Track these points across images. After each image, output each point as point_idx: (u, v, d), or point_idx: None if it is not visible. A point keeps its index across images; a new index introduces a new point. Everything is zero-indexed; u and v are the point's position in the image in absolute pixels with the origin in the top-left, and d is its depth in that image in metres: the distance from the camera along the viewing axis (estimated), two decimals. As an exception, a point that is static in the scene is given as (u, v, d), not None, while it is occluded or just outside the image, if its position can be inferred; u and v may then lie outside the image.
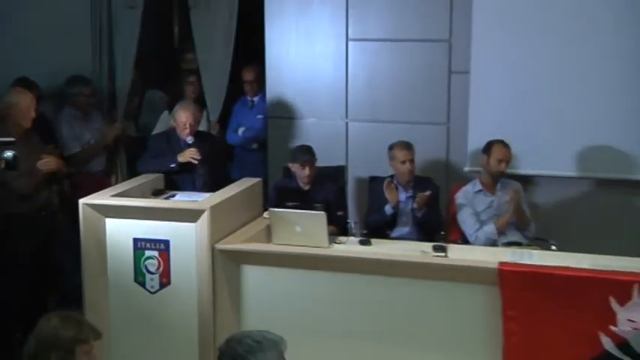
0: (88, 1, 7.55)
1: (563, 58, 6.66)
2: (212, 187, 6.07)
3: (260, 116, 7.53)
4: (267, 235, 5.54)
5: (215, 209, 5.35)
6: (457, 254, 5.39)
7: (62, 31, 7.46)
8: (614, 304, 4.71)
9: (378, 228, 6.11)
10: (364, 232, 5.91)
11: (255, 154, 7.58)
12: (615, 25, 6.55)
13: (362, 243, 5.63)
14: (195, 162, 6.27)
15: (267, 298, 5.31)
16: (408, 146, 6.24)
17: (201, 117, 7.13)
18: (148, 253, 5.40)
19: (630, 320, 4.69)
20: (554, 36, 6.66)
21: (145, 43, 7.65)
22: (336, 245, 5.50)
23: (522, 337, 4.89)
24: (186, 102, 6.84)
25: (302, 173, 6.24)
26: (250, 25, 7.59)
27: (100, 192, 5.74)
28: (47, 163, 5.87)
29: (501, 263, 4.95)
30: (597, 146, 6.66)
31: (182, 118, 6.40)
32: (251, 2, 7.45)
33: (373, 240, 5.70)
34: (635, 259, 5.23)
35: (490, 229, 6.02)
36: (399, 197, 6.19)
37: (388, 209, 6.16)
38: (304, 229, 5.36)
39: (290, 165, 6.37)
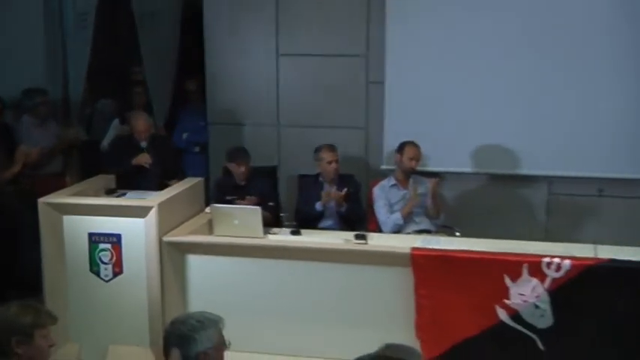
0: (41, 22, 7.45)
1: (465, 70, 6.78)
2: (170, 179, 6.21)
3: (202, 122, 7.56)
4: (209, 227, 5.55)
5: (162, 206, 5.36)
6: (376, 241, 5.42)
7: (19, 49, 7.35)
8: (507, 281, 4.85)
9: (307, 220, 6.17)
10: (295, 223, 6.00)
11: (197, 156, 7.62)
12: (510, 38, 6.71)
13: (293, 233, 5.65)
14: (147, 166, 6.38)
15: (209, 284, 5.34)
16: (332, 148, 6.31)
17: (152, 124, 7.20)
18: (101, 245, 5.38)
19: (521, 294, 4.83)
20: (457, 50, 6.78)
21: (96, 58, 7.61)
22: (270, 235, 5.52)
23: (431, 311, 4.98)
24: (140, 112, 6.92)
25: (238, 171, 6.31)
26: (193, 39, 7.61)
27: (58, 192, 5.70)
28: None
29: (413, 248, 5.05)
30: (491, 145, 6.85)
31: (138, 126, 6.57)
32: (193, 19, 7.47)
33: (303, 230, 5.73)
34: (524, 242, 5.35)
35: (396, 216, 6.10)
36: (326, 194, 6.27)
37: (319, 206, 6.24)
38: (242, 221, 5.39)
39: (228, 164, 6.45)
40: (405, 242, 5.32)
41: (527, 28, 6.68)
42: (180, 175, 6.35)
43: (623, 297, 4.75)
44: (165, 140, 7.29)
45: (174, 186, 5.92)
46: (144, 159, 6.43)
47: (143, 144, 6.55)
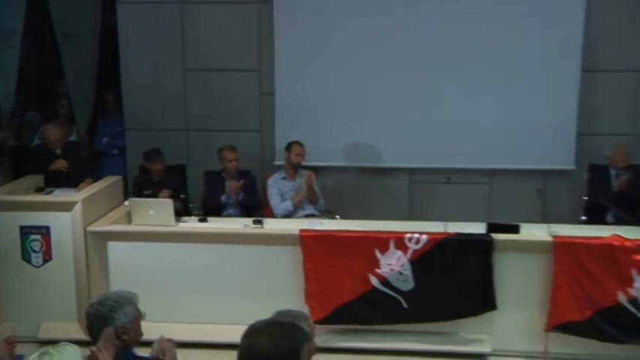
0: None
1: (341, 79, 6.87)
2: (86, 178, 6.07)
3: (120, 128, 7.42)
4: (128, 218, 5.50)
5: (86, 200, 5.31)
6: (270, 225, 5.49)
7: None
8: (377, 254, 4.98)
9: (212, 209, 6.17)
10: (202, 212, 6.01)
11: (116, 157, 7.49)
12: (380, 54, 6.80)
13: (200, 220, 5.65)
14: (65, 170, 6.27)
15: (128, 266, 5.27)
16: (233, 148, 6.33)
17: (68, 132, 7.17)
18: (32, 237, 5.28)
19: (389, 264, 4.98)
20: (335, 63, 6.86)
21: (23, 73, 7.36)
22: (181, 223, 5.51)
23: (318, 281, 5.05)
24: (51, 124, 6.79)
25: (153, 169, 6.29)
26: (110, 56, 7.46)
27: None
28: None
29: (301, 230, 5.13)
30: (362, 142, 7.00)
31: (49, 137, 6.52)
32: (110, 38, 7.33)
33: (209, 218, 5.75)
34: (391, 222, 5.51)
35: (287, 204, 6.18)
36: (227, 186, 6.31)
37: (224, 198, 6.26)
38: (156, 212, 5.36)
39: (144, 163, 6.41)
40: (294, 225, 5.40)
41: (400, 39, 6.79)
42: (94, 175, 6.24)
43: (467, 261, 4.96)
44: (78, 145, 7.15)
45: (96, 183, 5.83)
46: (60, 164, 6.32)
47: (58, 151, 6.45)
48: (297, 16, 6.86)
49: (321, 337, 5.05)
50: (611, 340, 4.89)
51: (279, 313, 2.88)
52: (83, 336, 3.59)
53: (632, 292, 4.83)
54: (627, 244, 4.84)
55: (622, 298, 4.85)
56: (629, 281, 4.82)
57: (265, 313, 2.70)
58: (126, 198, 5.88)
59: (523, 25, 6.70)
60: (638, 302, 4.83)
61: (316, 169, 6.64)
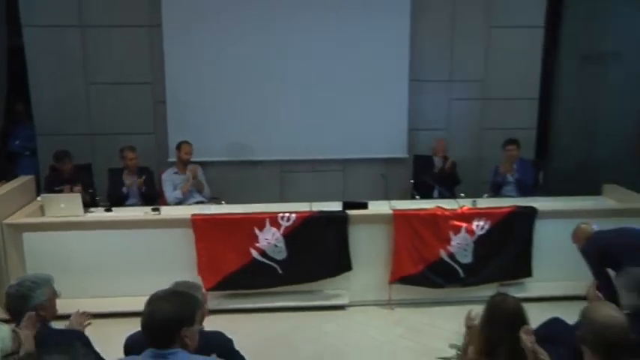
0: None
1: (223, 85, 6.81)
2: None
3: (30, 132, 6.99)
4: (41, 211, 5.25)
5: (2, 197, 5.05)
6: (166, 212, 5.41)
7: None
8: (256, 231, 5.02)
9: (116, 200, 5.98)
10: (107, 203, 5.82)
11: (29, 158, 7.07)
12: (255, 62, 6.79)
13: (106, 210, 5.48)
14: None
15: (44, 253, 5.02)
16: (133, 149, 6.14)
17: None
18: (-48, 231, 4.94)
19: (266, 239, 5.02)
20: (219, 72, 6.77)
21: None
22: (89, 214, 5.33)
23: (208, 256, 5.01)
24: None
25: (63, 168, 6.00)
26: (20, 69, 6.99)
27: None
28: None
29: (193, 214, 5.06)
30: (242, 140, 6.97)
31: None
32: (18, 53, 6.89)
33: (114, 208, 5.57)
34: (267, 204, 5.50)
35: (177, 193, 6.06)
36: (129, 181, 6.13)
37: (124, 189, 6.08)
38: (66, 205, 5.16)
39: (55, 163, 6.10)
40: (186, 211, 5.33)
41: (270, 52, 6.77)
42: (9, 175, 5.89)
43: (328, 233, 5.08)
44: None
45: (10, 182, 5.50)
46: None
47: None
48: (182, 36, 6.73)
49: (213, 301, 5.06)
50: (437, 286, 5.19)
51: (177, 284, 2.89)
52: (3, 315, 3.42)
53: (451, 249, 5.15)
54: (446, 213, 5.15)
55: (444, 254, 5.15)
56: (449, 241, 5.14)
57: (164, 285, 2.71)
58: (38, 194, 5.59)
59: (368, 46, 6.89)
60: (455, 257, 5.17)
61: (204, 164, 6.55)
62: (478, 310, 3.18)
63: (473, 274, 5.19)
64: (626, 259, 3.77)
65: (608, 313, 2.33)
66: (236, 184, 6.93)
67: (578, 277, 4.51)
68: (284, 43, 6.82)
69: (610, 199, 5.81)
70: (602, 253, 4.20)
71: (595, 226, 4.50)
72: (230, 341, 2.87)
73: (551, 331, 3.24)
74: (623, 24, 7.29)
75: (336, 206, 5.26)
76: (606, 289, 3.74)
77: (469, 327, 3.25)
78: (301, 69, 6.88)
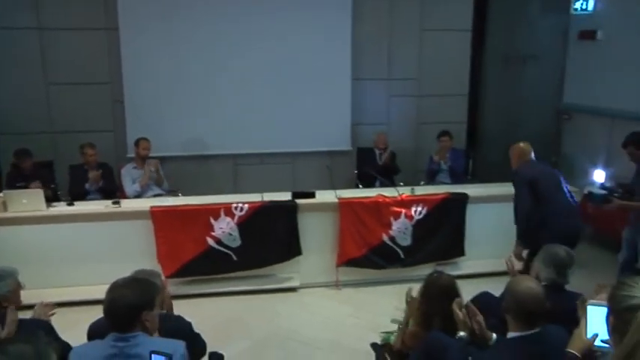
0: None
1: (177, 83, 6.68)
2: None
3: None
4: (4, 207, 5.01)
5: (-36, 195, 4.84)
6: (126, 205, 5.25)
7: None
8: (212, 220, 4.96)
9: (78, 195, 5.78)
10: (69, 198, 5.64)
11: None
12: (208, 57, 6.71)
13: (68, 205, 5.28)
14: None
15: (8, 247, 4.82)
16: (92, 145, 5.94)
17: None
18: None
19: (221, 228, 4.97)
20: (174, 70, 6.64)
21: None
22: (51, 208, 5.14)
23: (167, 246, 4.93)
24: None
25: (23, 165, 5.76)
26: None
27: None
28: None
29: (152, 206, 4.96)
30: (196, 135, 6.85)
31: None
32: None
33: (75, 202, 5.37)
34: (221, 196, 5.39)
35: (135, 186, 5.90)
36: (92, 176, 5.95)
37: (87, 186, 5.89)
38: (29, 200, 4.96)
39: (15, 161, 5.83)
40: (146, 203, 5.21)
41: (223, 51, 6.67)
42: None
43: (278, 221, 5.07)
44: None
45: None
46: None
47: None
48: (138, 38, 6.56)
49: (174, 287, 5.01)
50: (380, 267, 5.26)
51: (137, 272, 2.84)
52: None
53: (392, 233, 5.23)
54: (387, 200, 5.22)
55: (385, 238, 5.22)
56: (390, 226, 5.22)
57: (126, 274, 2.66)
58: (0, 190, 5.38)
59: (314, 47, 6.89)
60: (395, 240, 5.24)
61: (161, 159, 6.42)
62: (417, 287, 3.26)
63: (412, 255, 5.28)
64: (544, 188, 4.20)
65: (528, 285, 2.42)
66: (192, 177, 6.82)
67: (505, 255, 4.64)
68: (235, 42, 6.74)
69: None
70: (531, 179, 4.29)
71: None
72: (189, 324, 2.85)
73: (481, 303, 3.35)
74: (539, 29, 7.54)
75: (285, 196, 5.24)
76: (520, 212, 4.24)
77: (409, 302, 3.33)
78: (251, 68, 6.81)
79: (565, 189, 4.37)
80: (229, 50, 6.74)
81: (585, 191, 4.76)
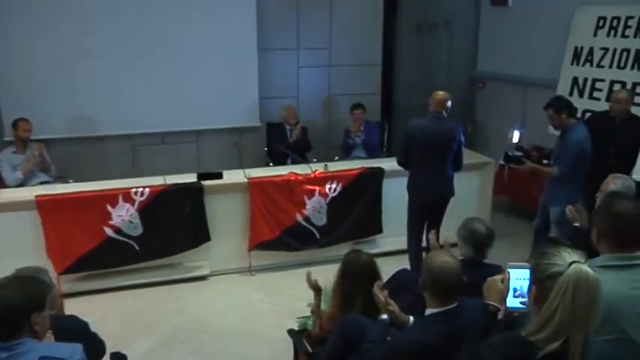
0: None
1: (62, 63, 6.32)
2: None
3: None
4: None
5: None
6: (7, 195, 4.92)
7: None
8: (109, 208, 4.81)
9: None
10: None
11: None
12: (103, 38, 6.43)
13: None
14: None
15: None
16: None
17: None
18: None
19: (119, 215, 4.84)
20: (55, 51, 6.27)
21: None
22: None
23: (57, 238, 4.73)
24: None
25: None
26: None
27: None
28: None
29: (37, 195, 4.73)
30: (87, 115, 6.54)
31: None
32: None
33: None
34: (119, 180, 5.22)
35: (17, 173, 5.55)
36: None
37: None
38: None
39: None
40: (30, 192, 4.92)
41: (110, 24, 6.37)
42: None
43: (184, 205, 4.98)
44: None
45: None
46: None
47: None
48: (13, 13, 6.10)
49: (68, 284, 4.84)
50: (295, 249, 5.32)
51: (19, 270, 2.70)
52: None
53: (306, 212, 5.29)
54: (300, 178, 5.26)
55: (299, 218, 5.28)
56: (303, 205, 5.27)
57: (6, 273, 2.52)
58: None
59: (217, 16, 6.73)
60: (310, 219, 5.31)
61: (46, 142, 6.08)
62: (332, 268, 3.33)
63: (328, 235, 5.37)
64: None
65: (443, 259, 2.53)
66: (84, 161, 6.53)
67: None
68: (128, 12, 6.45)
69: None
70: (409, 134, 4.68)
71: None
72: (85, 324, 2.75)
73: (400, 281, 3.47)
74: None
75: (190, 178, 5.16)
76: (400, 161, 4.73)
77: (311, 286, 3.41)
78: (147, 40, 6.55)
79: (448, 157, 4.62)
80: (121, 21, 6.44)
81: (509, 152, 5.04)
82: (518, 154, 4.96)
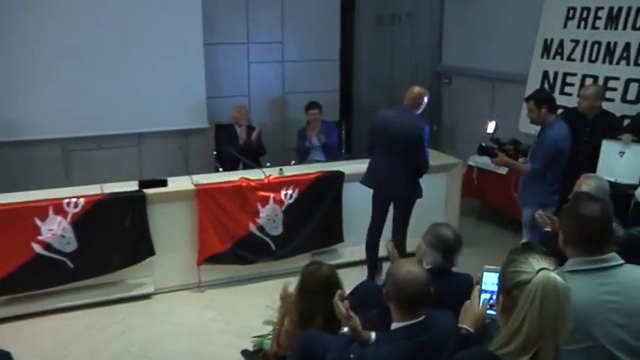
0: None
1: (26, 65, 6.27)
2: None
3: None
4: None
5: None
6: None
7: None
8: (37, 222, 4.66)
9: None
10: None
11: None
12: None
13: None
14: None
15: None
16: None
17: None
18: None
19: (50, 230, 4.69)
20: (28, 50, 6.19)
21: None
22: None
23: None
24: None
25: None
26: None
27: None
28: None
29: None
30: (5, 118, 6.41)
31: None
32: None
33: None
34: (50, 190, 5.07)
35: None
36: None
37: None
38: None
39: None
40: None
41: (49, 22, 6.29)
42: None
43: (124, 217, 4.89)
44: None
45: None
46: None
47: None
48: None
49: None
50: (249, 262, 5.27)
51: None
52: None
53: (259, 221, 5.25)
54: (252, 184, 5.22)
55: (253, 228, 5.23)
56: (257, 213, 5.23)
57: None
58: None
59: (158, 11, 6.69)
60: (264, 229, 5.27)
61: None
62: (294, 281, 3.31)
63: (284, 246, 5.35)
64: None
65: (409, 269, 2.54)
66: (8, 169, 6.37)
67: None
68: (62, 10, 6.35)
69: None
70: (372, 127, 4.97)
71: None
72: (7, 355, 2.65)
73: (362, 293, 3.47)
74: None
75: (131, 186, 5.07)
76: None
77: (283, 298, 3.36)
78: (81, 35, 6.44)
79: (409, 154, 4.73)
80: (56, 16, 6.32)
81: (483, 144, 5.11)
82: (493, 146, 5.03)
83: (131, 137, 6.96)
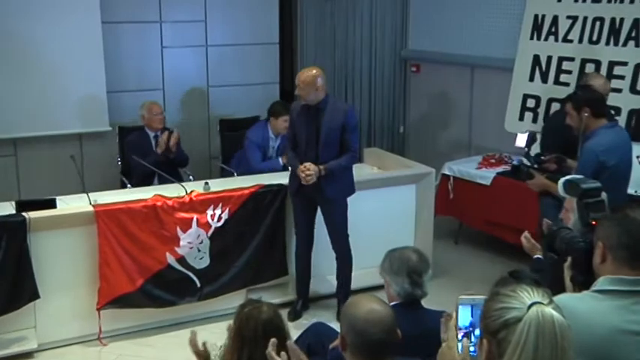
0: None
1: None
2: None
3: None
4: None
5: None
6: None
7: None
8: None
9: None
10: None
11: None
12: None
13: None
14: None
15: None
16: None
17: None
18: None
19: None
20: None
21: None
22: None
23: None
24: None
25: None
26: None
27: None
28: None
29: None
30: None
31: None
32: None
33: None
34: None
35: None
36: None
37: None
38: None
39: None
40: None
41: None
42: None
43: None
44: None
45: None
46: None
47: None
48: None
49: None
50: (166, 305, 5.23)
51: None
52: None
53: (180, 251, 5.21)
54: (169, 202, 5.18)
55: (171, 260, 5.20)
56: (176, 240, 5.19)
57: None
58: None
59: None
60: (185, 260, 5.23)
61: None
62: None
63: (213, 282, 5.35)
64: None
65: (370, 307, 2.52)
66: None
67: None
68: None
69: (373, 166, 6.38)
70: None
71: None
72: None
73: (314, 338, 3.46)
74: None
75: (6, 208, 5.02)
76: None
77: (196, 353, 3.33)
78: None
79: (329, 142, 4.97)
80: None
81: (515, 161, 5.07)
82: (529, 164, 5.04)
83: (5, 144, 6.84)
